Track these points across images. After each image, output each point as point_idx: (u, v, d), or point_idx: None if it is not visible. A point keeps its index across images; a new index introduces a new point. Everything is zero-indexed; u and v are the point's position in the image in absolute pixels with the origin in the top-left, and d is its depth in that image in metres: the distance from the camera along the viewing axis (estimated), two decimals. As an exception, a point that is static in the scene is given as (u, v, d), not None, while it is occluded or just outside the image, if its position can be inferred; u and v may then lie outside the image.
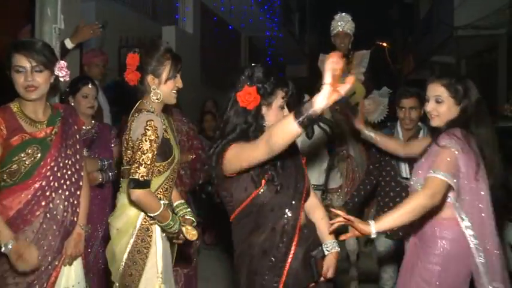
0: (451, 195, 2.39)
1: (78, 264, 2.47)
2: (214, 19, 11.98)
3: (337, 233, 2.31)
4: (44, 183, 2.29)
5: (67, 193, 2.37)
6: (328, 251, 2.23)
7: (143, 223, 2.38)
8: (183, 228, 2.40)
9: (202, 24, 11.03)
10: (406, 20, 21.68)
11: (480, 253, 2.36)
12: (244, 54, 14.99)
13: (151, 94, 2.38)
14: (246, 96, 2.05)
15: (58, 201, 2.34)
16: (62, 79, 2.41)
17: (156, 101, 2.39)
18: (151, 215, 2.29)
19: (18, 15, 5.28)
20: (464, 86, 2.46)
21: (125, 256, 2.35)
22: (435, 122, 2.50)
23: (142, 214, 2.37)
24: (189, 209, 2.61)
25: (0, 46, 2.88)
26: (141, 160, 2.22)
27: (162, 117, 2.45)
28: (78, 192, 2.42)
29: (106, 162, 3.28)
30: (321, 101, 1.66)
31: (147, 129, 2.23)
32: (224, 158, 2.01)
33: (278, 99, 2.12)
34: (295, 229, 2.06)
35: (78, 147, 2.47)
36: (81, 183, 2.45)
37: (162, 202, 2.34)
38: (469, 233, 2.37)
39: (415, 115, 3.52)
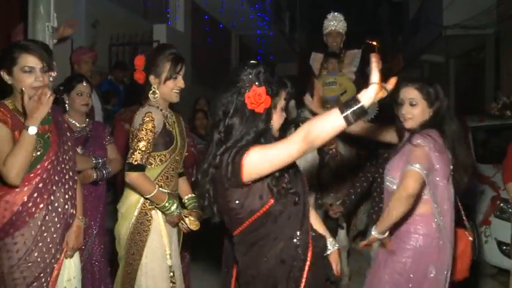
0: (426, 191, 2.48)
1: (76, 256, 2.57)
2: (205, 17, 11.98)
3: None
4: (45, 176, 2.34)
5: (66, 186, 2.43)
6: (330, 249, 2.27)
7: (142, 208, 2.65)
8: (187, 219, 2.68)
9: (193, 22, 11.03)
10: (396, 19, 21.81)
11: (448, 244, 2.50)
12: (235, 52, 15.01)
13: (150, 92, 2.63)
14: (256, 97, 1.86)
15: (58, 194, 2.39)
16: (51, 78, 2.46)
17: (153, 98, 2.63)
18: (147, 196, 2.54)
19: (11, 14, 5.26)
20: (435, 89, 2.58)
21: (127, 237, 2.66)
22: (409, 124, 2.59)
23: (142, 200, 2.64)
24: (197, 204, 2.82)
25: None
26: (136, 146, 2.50)
27: (169, 112, 2.72)
28: (75, 186, 2.49)
29: (100, 160, 3.30)
30: (369, 98, 1.66)
31: (145, 120, 2.51)
32: (245, 163, 1.80)
33: (281, 101, 2.03)
34: (308, 234, 1.99)
35: (70, 144, 2.53)
36: (76, 178, 2.53)
37: (161, 189, 2.59)
38: (442, 227, 2.49)
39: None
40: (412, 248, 2.51)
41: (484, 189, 4.94)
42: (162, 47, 2.80)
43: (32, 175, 2.32)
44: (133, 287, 2.68)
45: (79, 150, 3.26)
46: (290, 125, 3.48)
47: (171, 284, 2.70)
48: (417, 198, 2.43)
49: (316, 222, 2.27)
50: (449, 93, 14.79)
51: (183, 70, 2.66)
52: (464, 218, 2.80)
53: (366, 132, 3.07)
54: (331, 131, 1.69)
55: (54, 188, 2.37)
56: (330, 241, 2.27)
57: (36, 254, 2.31)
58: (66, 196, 2.43)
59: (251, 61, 1.99)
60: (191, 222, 2.68)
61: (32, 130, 2.21)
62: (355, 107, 1.65)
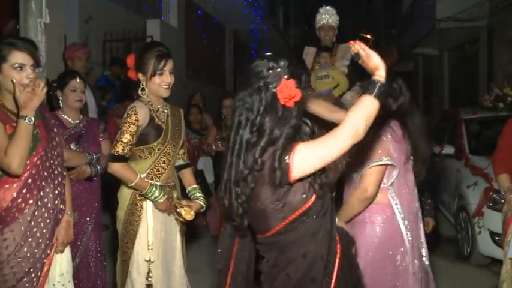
0: (385, 179, 2.54)
1: (67, 251, 2.59)
2: (198, 12, 11.95)
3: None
4: (34, 171, 2.35)
5: (55, 182, 2.45)
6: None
7: (133, 199, 2.78)
8: (182, 210, 2.75)
9: (187, 17, 11.01)
10: (390, 12, 21.82)
11: (408, 232, 2.55)
12: (229, 47, 14.99)
13: (140, 89, 2.75)
14: (288, 91, 1.75)
15: (48, 190, 2.41)
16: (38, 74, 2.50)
17: (142, 95, 2.75)
18: (130, 185, 2.68)
19: (2, 10, 5.24)
20: (398, 84, 2.65)
21: (122, 226, 2.81)
22: None
23: (132, 191, 2.77)
24: (200, 195, 2.97)
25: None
26: (118, 138, 2.65)
27: (163, 107, 2.82)
28: (63, 182, 2.51)
29: (94, 156, 3.30)
30: (382, 72, 1.75)
31: (129, 114, 2.65)
32: (292, 163, 1.72)
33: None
34: (335, 228, 1.97)
35: (58, 139, 2.55)
36: (65, 173, 2.55)
37: (151, 181, 2.72)
38: (400, 215, 2.55)
39: None
40: (369, 237, 2.55)
41: (477, 180, 4.99)
42: (149, 45, 2.92)
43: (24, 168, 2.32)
44: (127, 275, 2.78)
45: (73, 146, 3.27)
46: None
47: (146, 280, 2.73)
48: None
49: None
50: (443, 85, 14.85)
51: (168, 66, 2.72)
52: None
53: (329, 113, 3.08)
54: (373, 116, 1.73)
55: (43, 183, 2.38)
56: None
57: (25, 250, 2.32)
58: (56, 191, 2.44)
59: (267, 53, 1.91)
60: (186, 213, 2.74)
61: (30, 120, 2.24)
62: (378, 85, 1.73)
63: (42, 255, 2.38)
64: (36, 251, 2.35)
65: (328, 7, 4.62)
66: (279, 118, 1.77)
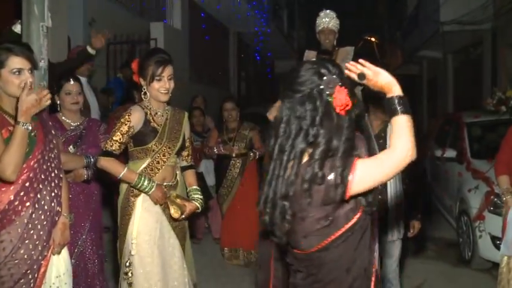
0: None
1: (65, 252, 2.60)
2: (202, 15, 11.99)
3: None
4: (31, 174, 2.37)
5: (52, 184, 2.47)
6: None
7: (126, 194, 2.91)
8: (172, 208, 2.84)
9: (191, 20, 11.04)
10: (394, 15, 21.82)
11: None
12: (233, 49, 15.02)
13: (142, 93, 2.92)
14: (343, 99, 1.67)
15: (45, 193, 2.43)
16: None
17: (144, 98, 2.92)
18: (118, 177, 2.80)
19: (5, 14, 5.28)
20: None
21: (119, 220, 2.96)
22: None
23: (126, 186, 2.90)
24: (198, 196, 3.06)
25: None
26: (110, 136, 2.84)
27: (164, 110, 2.96)
28: (60, 184, 2.53)
29: (92, 159, 3.28)
30: (397, 87, 1.67)
31: (123, 115, 2.84)
32: (352, 181, 1.65)
33: None
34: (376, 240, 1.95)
35: (55, 142, 2.57)
36: (61, 176, 2.57)
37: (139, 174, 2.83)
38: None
39: None
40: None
41: (478, 184, 4.97)
42: (150, 52, 3.08)
43: (18, 173, 2.34)
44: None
45: (71, 148, 3.29)
46: None
47: (125, 275, 2.83)
48: None
49: None
50: (447, 88, 14.81)
51: (166, 72, 2.84)
52: None
53: None
54: (412, 129, 1.65)
55: (40, 186, 2.40)
56: None
57: (22, 252, 2.34)
58: (53, 194, 2.46)
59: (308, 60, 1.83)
60: (174, 211, 2.84)
61: (27, 128, 2.27)
62: (399, 101, 1.65)
63: (39, 257, 2.40)
64: (33, 252, 2.37)
65: (328, 11, 4.62)
66: (335, 128, 1.69)
